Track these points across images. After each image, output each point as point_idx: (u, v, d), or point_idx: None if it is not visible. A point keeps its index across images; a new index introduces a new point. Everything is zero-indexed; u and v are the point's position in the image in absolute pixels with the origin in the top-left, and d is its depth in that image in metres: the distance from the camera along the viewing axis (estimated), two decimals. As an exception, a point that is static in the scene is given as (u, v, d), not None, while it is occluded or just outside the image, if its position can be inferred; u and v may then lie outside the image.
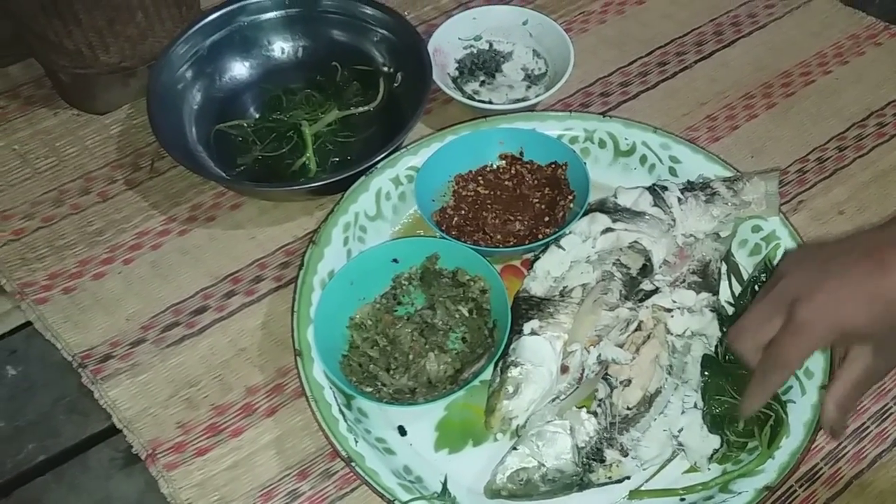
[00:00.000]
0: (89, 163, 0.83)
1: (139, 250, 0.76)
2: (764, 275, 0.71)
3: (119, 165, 0.83)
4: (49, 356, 0.70)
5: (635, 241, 0.70)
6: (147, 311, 0.72)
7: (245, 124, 0.85)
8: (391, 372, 0.65)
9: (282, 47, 0.89)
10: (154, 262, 0.76)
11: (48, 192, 0.81)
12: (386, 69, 0.88)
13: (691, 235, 0.72)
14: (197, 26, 0.85)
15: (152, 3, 0.82)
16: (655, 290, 0.67)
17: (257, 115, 0.86)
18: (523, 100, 0.87)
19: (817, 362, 0.64)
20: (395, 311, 0.70)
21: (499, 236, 0.74)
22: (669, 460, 0.63)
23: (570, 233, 0.71)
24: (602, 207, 0.72)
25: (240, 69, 0.88)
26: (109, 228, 0.78)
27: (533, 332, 0.63)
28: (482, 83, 0.90)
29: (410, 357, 0.66)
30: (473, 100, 0.87)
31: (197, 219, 0.79)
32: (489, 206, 0.76)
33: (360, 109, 0.86)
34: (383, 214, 0.76)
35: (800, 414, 0.62)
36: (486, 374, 0.64)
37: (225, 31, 0.86)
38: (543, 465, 0.59)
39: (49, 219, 0.79)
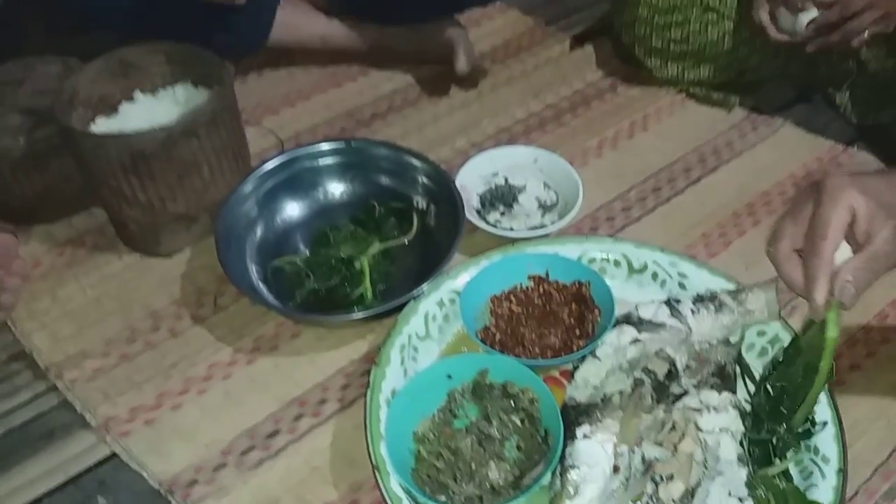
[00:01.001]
0: (156, 302, 0.92)
1: (211, 380, 0.84)
2: (773, 373, 0.81)
3: (184, 303, 0.92)
4: (137, 485, 0.75)
5: (660, 350, 0.80)
6: (224, 437, 0.78)
7: (298, 260, 0.94)
8: (458, 481, 0.72)
9: (332, 189, 1.01)
10: (226, 390, 0.83)
11: (121, 330, 0.89)
12: (418, 205, 1.00)
13: (706, 342, 0.82)
14: (259, 171, 0.96)
15: (216, 157, 0.93)
16: (684, 393, 0.77)
17: (308, 251, 0.96)
18: (540, 226, 0.99)
19: (831, 448, 0.73)
20: (453, 423, 0.78)
21: (537, 350, 0.83)
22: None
23: (602, 344, 0.80)
24: (628, 320, 0.82)
25: (292, 209, 0.99)
26: (182, 362, 0.85)
27: (585, 437, 0.71)
28: (502, 213, 1.02)
29: (473, 466, 0.73)
30: (497, 228, 0.98)
31: (261, 348, 0.87)
32: (525, 323, 0.86)
33: (398, 241, 0.97)
34: (431, 335, 0.85)
35: (822, 496, 0.70)
36: (545, 479, 0.72)
37: (284, 175, 0.98)
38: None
39: (125, 356, 0.86)
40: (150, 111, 0.99)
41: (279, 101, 1.21)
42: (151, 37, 1.08)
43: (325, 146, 1.01)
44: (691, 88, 1.20)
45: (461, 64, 1.20)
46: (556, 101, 1.21)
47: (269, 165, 0.98)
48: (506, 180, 1.05)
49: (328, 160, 1.01)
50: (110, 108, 0.99)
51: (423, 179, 0.99)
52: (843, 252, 0.64)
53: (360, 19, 1.22)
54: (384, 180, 1.01)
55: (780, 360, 0.80)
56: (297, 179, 1.00)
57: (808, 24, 1.00)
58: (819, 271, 0.62)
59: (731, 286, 0.87)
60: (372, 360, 0.79)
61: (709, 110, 1.18)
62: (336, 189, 1.02)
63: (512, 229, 0.98)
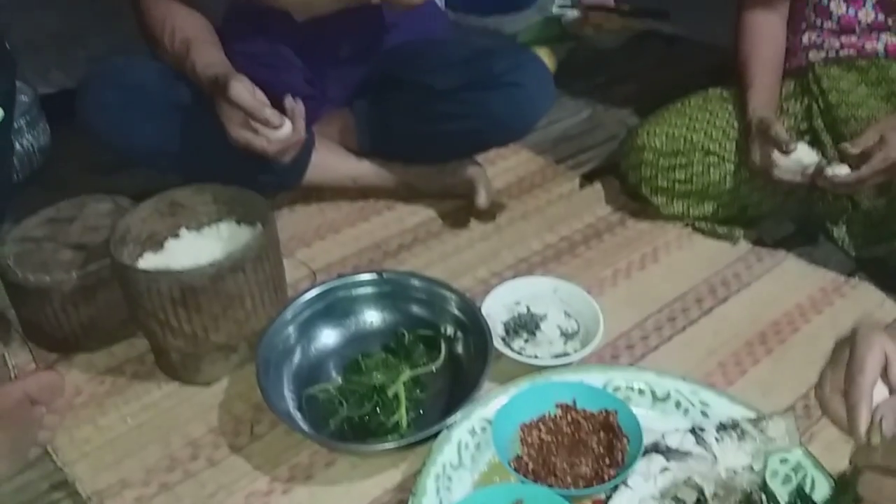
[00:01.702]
0: (195, 430, 0.94)
1: (249, 510, 0.85)
2: (798, 501, 0.83)
3: (222, 432, 0.94)
4: None
5: (688, 478, 0.82)
6: (263, 569, 0.79)
7: (331, 388, 0.98)
8: None
9: (364, 318, 1.06)
10: (264, 520, 0.84)
11: (161, 459, 0.91)
12: (446, 332, 1.05)
13: (731, 469, 0.85)
14: (297, 302, 1.01)
15: (258, 290, 0.99)
16: (716, 521, 0.78)
17: (341, 379, 1.00)
18: (564, 354, 1.03)
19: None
20: (490, 555, 0.79)
21: (569, 479, 0.85)
22: None
23: (633, 473, 0.83)
24: (656, 449, 0.85)
25: (327, 338, 1.04)
26: (220, 491, 0.87)
27: (624, 567, 0.73)
28: (526, 340, 1.07)
29: None
30: (522, 355, 1.03)
31: (296, 477, 0.89)
32: (555, 452, 0.88)
33: (427, 369, 1.01)
34: (464, 463, 0.87)
35: None
36: None
37: (320, 305, 1.03)
38: None
39: (165, 485, 0.88)
40: (194, 247, 1.06)
41: (311, 234, 1.29)
42: (195, 176, 1.17)
43: (358, 277, 1.07)
44: (697, 223, 1.28)
45: (481, 199, 1.28)
46: (569, 234, 1.28)
47: (307, 296, 1.04)
48: (528, 309, 1.10)
49: (361, 290, 1.07)
50: (157, 245, 1.06)
51: (451, 308, 1.05)
52: (881, 391, 0.69)
53: (388, 159, 1.32)
54: (414, 309, 1.07)
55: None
56: (332, 309, 1.05)
57: (822, 173, 1.08)
58: (860, 401, 0.66)
59: (752, 414, 0.90)
60: (406, 489, 0.81)
61: (715, 243, 1.26)
62: (368, 318, 1.07)
63: (537, 357, 1.03)
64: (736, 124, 1.23)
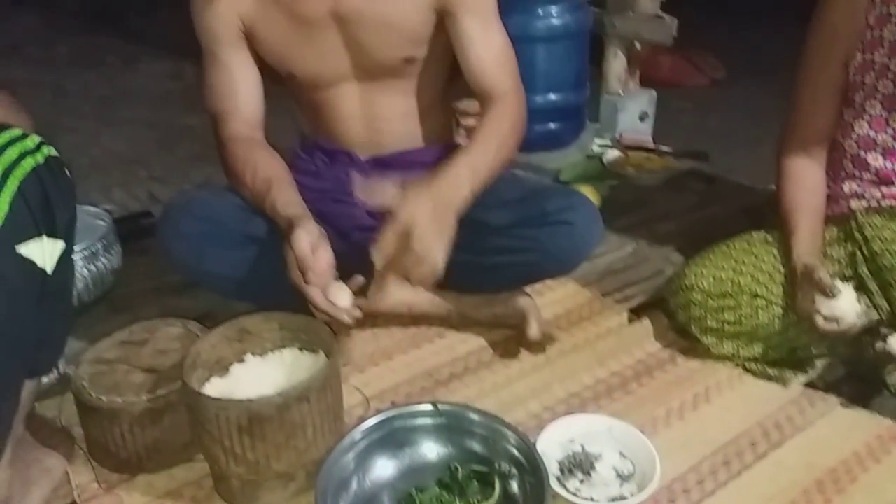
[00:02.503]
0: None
1: None
2: None
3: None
4: None
5: None
6: None
7: (387, 525, 0.98)
8: None
9: (419, 451, 1.07)
10: None
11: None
12: (501, 469, 1.05)
13: None
14: (356, 432, 1.03)
15: (320, 419, 1.01)
16: None
17: (396, 515, 1.00)
18: (620, 498, 1.02)
19: None
20: None
21: None
22: None
23: None
24: None
25: (382, 469, 1.04)
26: None
27: None
28: (581, 481, 1.06)
29: None
30: (578, 497, 1.02)
31: None
32: None
33: (482, 507, 1.00)
34: None
35: None
36: None
37: (377, 436, 1.05)
38: None
39: None
40: (258, 373, 1.10)
41: (365, 361, 1.32)
42: (260, 302, 1.23)
43: (413, 408, 1.09)
44: (747, 364, 1.29)
45: (533, 331, 1.31)
46: (620, 370, 1.30)
47: (364, 426, 1.05)
48: (582, 448, 1.11)
49: (417, 422, 1.08)
50: (223, 369, 1.10)
51: (507, 445, 1.05)
52: None
53: (442, 288, 1.37)
54: (469, 443, 1.07)
55: None
56: (388, 440, 1.06)
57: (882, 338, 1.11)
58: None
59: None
60: None
61: (766, 385, 1.26)
62: (423, 450, 1.07)
63: (593, 500, 1.02)
64: (781, 268, 1.26)
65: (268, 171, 1.20)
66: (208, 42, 1.25)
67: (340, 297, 1.08)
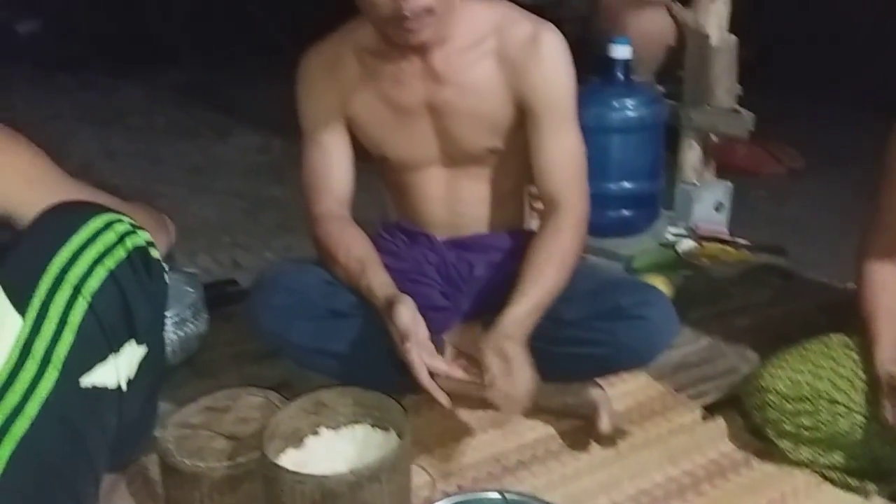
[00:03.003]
0: None
1: None
2: None
3: None
4: None
5: None
6: None
7: None
8: None
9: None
10: None
11: None
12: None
13: None
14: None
15: (389, 499, 1.02)
16: None
17: None
18: None
19: None
20: None
21: None
22: None
23: None
24: None
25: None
26: None
27: None
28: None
29: None
30: None
31: None
32: None
33: None
34: None
35: None
36: None
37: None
38: None
39: None
40: (332, 447, 1.13)
41: (433, 441, 1.33)
42: (338, 375, 1.28)
43: (481, 495, 1.10)
44: (826, 472, 1.25)
45: (604, 424, 1.31)
46: (692, 469, 1.27)
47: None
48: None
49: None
50: (298, 441, 1.13)
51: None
52: None
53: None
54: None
55: None
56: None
57: None
58: None
59: None
60: None
61: (846, 495, 1.21)
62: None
63: None
64: (862, 375, 1.23)
65: (360, 252, 1.27)
66: (308, 124, 1.33)
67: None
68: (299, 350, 1.29)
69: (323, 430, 1.16)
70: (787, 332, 1.38)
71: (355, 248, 1.27)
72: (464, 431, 1.36)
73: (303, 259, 1.40)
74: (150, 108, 3.85)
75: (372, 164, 1.39)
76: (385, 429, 1.15)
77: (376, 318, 1.21)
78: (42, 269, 0.85)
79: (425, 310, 1.32)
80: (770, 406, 1.25)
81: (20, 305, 0.83)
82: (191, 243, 2.41)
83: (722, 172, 2.31)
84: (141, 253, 0.92)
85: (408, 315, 1.14)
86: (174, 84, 4.19)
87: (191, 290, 1.56)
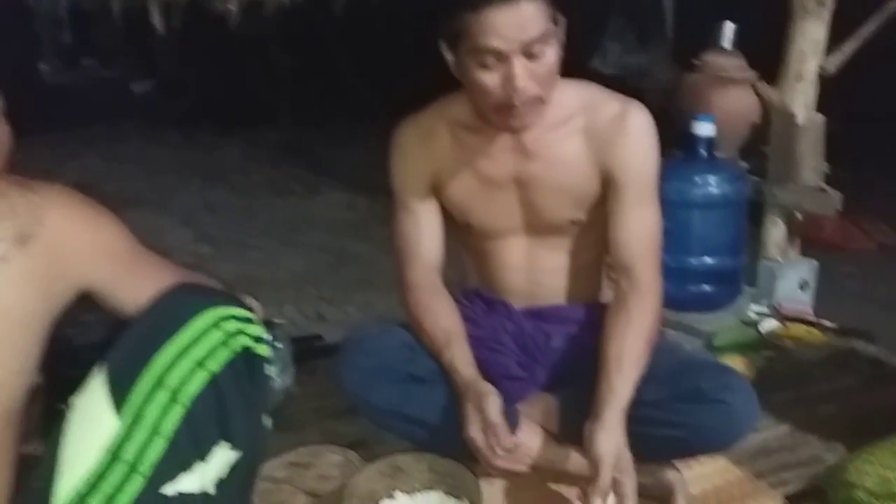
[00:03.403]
0: None
1: None
2: None
3: None
4: None
5: None
6: None
7: None
8: None
9: None
10: None
11: None
12: None
13: None
14: None
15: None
16: None
17: None
18: None
19: None
20: None
21: None
22: None
23: None
24: None
25: None
26: None
27: None
28: None
29: None
30: None
31: None
32: None
33: None
34: None
35: None
36: None
37: None
38: None
39: None
40: (406, 511, 1.16)
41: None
42: (415, 438, 1.31)
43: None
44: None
45: (679, 509, 1.29)
46: (771, 562, 1.23)
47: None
48: None
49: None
50: (374, 503, 1.17)
51: None
52: None
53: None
54: None
55: None
56: None
57: None
58: None
59: None
60: None
61: None
62: None
63: None
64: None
65: (446, 324, 1.32)
66: (401, 191, 1.40)
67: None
68: (378, 412, 1.33)
69: (398, 495, 1.19)
70: (875, 423, 1.33)
71: (442, 319, 1.32)
72: (535, 502, 1.37)
73: (388, 322, 1.46)
74: (249, 165, 4.10)
75: (455, 230, 1.45)
76: (458, 497, 1.17)
77: (454, 389, 1.25)
78: (143, 369, 0.84)
79: (500, 379, 1.35)
80: (856, 502, 1.21)
81: (119, 404, 0.83)
82: (279, 294, 2.53)
83: (808, 246, 2.26)
84: (246, 353, 0.90)
85: (497, 410, 1.18)
86: (271, 143, 4.45)
87: (280, 344, 1.63)
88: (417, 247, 1.39)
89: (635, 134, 1.29)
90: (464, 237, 1.45)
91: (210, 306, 0.88)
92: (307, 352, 1.83)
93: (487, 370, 1.33)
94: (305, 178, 3.87)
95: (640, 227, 1.30)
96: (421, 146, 1.36)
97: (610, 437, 1.17)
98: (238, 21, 1.72)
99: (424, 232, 1.39)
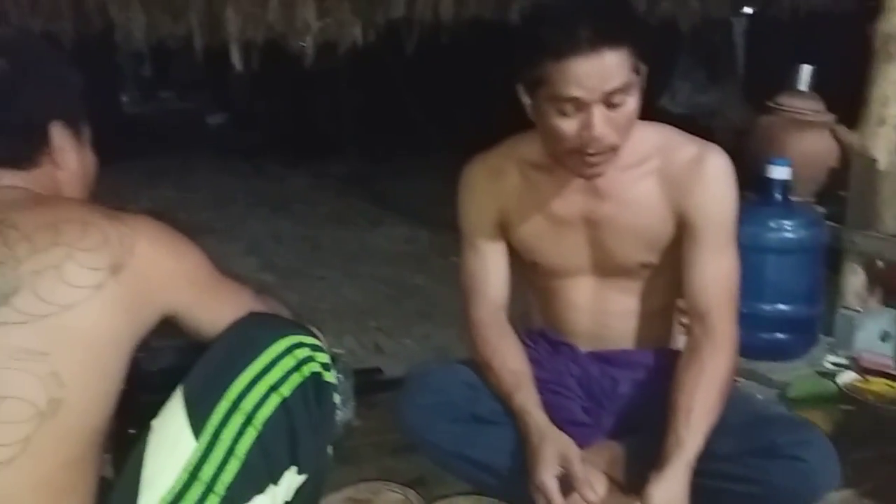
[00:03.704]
0: None
1: None
2: None
3: None
4: None
5: None
6: None
7: None
8: None
9: None
10: None
11: None
12: None
13: None
14: None
15: None
16: None
17: None
18: None
19: None
20: None
21: None
22: None
23: None
24: None
25: None
26: None
27: None
28: None
29: None
30: None
31: None
32: None
33: None
34: None
35: None
36: None
37: None
38: None
39: None
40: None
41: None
42: (473, 480, 1.28)
43: None
44: None
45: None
46: None
47: None
48: None
49: None
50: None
51: None
52: None
53: None
54: None
55: None
56: None
57: None
58: None
59: None
60: None
61: None
62: None
63: None
64: None
65: (516, 366, 1.30)
66: (468, 229, 1.39)
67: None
68: (438, 451, 1.31)
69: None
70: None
71: (510, 361, 1.30)
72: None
73: (451, 360, 1.44)
74: (314, 197, 4.19)
75: (521, 269, 1.43)
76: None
77: (517, 431, 1.23)
78: (221, 394, 0.89)
79: (564, 424, 1.31)
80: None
81: (196, 427, 0.88)
82: (339, 324, 2.55)
83: (889, 296, 2.15)
84: (315, 378, 0.94)
85: (580, 461, 1.16)
86: (336, 175, 4.54)
87: (342, 377, 1.64)
88: (484, 285, 1.37)
89: (714, 178, 1.26)
90: (530, 276, 1.43)
91: (283, 334, 0.93)
92: (368, 385, 1.83)
93: (550, 414, 1.30)
94: (368, 210, 3.92)
95: (716, 273, 1.26)
96: (490, 184, 1.36)
97: (669, 488, 1.12)
98: (311, 58, 1.77)
99: (491, 270, 1.38)
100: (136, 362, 0.94)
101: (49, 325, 0.83)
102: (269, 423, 0.88)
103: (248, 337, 0.93)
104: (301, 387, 0.91)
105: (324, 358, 0.96)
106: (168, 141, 5.23)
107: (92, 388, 0.86)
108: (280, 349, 0.91)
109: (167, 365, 1.67)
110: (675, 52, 3.62)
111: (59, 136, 0.96)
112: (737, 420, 1.22)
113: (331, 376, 0.97)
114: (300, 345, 0.93)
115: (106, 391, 0.88)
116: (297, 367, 0.91)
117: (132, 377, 0.94)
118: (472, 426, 1.29)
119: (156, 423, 0.91)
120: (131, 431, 1.08)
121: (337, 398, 1.48)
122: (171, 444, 0.89)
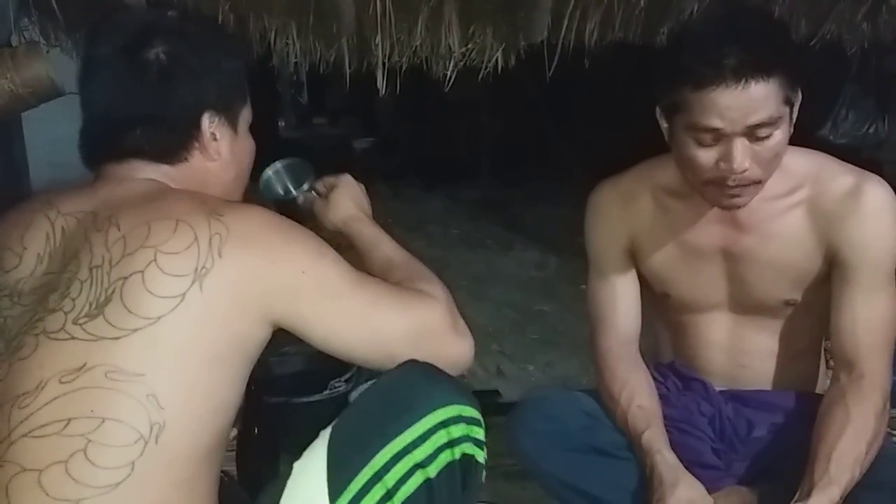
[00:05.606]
0: None
1: None
2: None
3: None
4: None
5: None
6: None
7: None
8: None
9: None
10: None
11: None
12: None
13: None
14: None
15: None
16: None
17: None
18: None
19: None
20: None
21: None
22: None
23: None
24: None
25: None
26: None
27: None
28: None
29: None
30: None
31: None
32: None
33: None
34: None
35: None
36: None
37: None
38: None
39: None
40: None
41: None
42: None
43: None
44: None
45: None
46: None
47: None
48: None
49: None
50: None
51: None
52: None
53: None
54: None
55: None
56: None
57: None
58: None
59: None
60: None
61: None
62: None
63: None
64: None
65: (645, 403, 1.23)
66: (596, 255, 1.33)
67: None
68: (552, 480, 1.27)
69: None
70: None
71: (639, 397, 1.24)
72: None
73: (568, 387, 1.40)
74: (448, 220, 4.27)
75: (651, 300, 1.37)
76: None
77: (639, 469, 1.17)
78: (366, 461, 0.80)
79: (692, 465, 1.23)
80: None
81: (335, 491, 0.79)
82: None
83: None
84: (466, 459, 0.85)
85: None
86: (470, 199, 4.61)
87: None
88: (613, 315, 1.31)
89: (872, 211, 1.14)
90: (660, 308, 1.36)
91: (442, 404, 0.83)
92: (484, 407, 1.82)
93: (677, 454, 1.23)
94: (500, 234, 3.94)
95: (869, 317, 1.14)
96: (619, 209, 1.30)
97: None
98: (452, 83, 1.81)
99: (620, 300, 1.32)
100: (267, 364, 0.95)
101: (141, 340, 0.74)
102: (410, 501, 0.80)
103: (404, 400, 0.83)
104: (448, 467, 0.83)
105: (479, 433, 0.87)
106: (317, 163, 5.51)
107: (193, 409, 0.77)
108: (435, 422, 0.82)
109: (297, 370, 1.74)
110: (839, 79, 3.35)
111: (212, 126, 0.89)
112: (887, 479, 1.09)
113: (482, 455, 0.88)
114: (458, 419, 0.84)
115: (213, 410, 0.79)
116: (449, 446, 0.83)
117: (261, 379, 0.95)
118: (590, 457, 1.24)
119: (297, 467, 0.83)
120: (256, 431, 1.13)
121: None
122: (306, 502, 0.80)
